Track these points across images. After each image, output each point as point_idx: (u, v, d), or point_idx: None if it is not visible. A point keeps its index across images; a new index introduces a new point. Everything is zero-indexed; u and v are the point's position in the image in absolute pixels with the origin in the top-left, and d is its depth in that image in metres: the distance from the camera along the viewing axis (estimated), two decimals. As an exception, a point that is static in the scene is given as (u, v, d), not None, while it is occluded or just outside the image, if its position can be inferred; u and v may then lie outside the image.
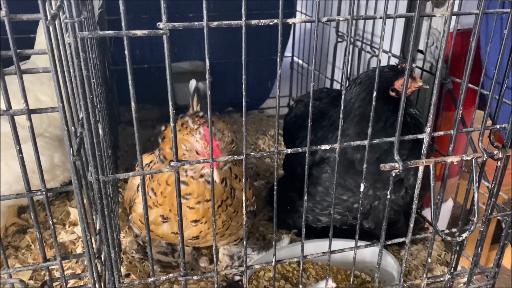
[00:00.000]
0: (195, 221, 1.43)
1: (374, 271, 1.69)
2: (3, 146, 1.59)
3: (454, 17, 1.89)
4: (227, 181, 1.45)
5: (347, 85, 1.65)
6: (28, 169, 1.00)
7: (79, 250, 1.80)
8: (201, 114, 1.39)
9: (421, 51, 2.11)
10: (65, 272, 1.71)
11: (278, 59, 1.00)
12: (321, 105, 1.84)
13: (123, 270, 1.67)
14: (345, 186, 1.61)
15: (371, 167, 1.58)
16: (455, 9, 1.58)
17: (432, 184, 1.26)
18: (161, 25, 0.91)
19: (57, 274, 1.67)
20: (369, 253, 1.66)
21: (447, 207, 2.33)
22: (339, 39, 2.60)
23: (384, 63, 2.14)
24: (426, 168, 1.23)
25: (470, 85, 1.73)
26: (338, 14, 2.55)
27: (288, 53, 3.33)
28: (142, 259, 1.73)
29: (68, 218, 1.95)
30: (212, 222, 1.44)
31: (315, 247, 1.63)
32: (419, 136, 1.24)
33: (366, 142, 1.18)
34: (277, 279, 1.57)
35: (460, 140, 2.02)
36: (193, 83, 1.54)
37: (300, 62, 3.22)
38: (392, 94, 1.59)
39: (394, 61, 2.11)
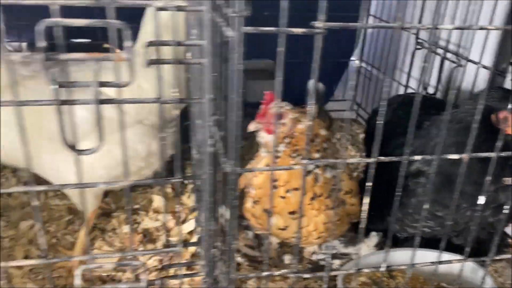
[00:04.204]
0: (292, 212, 1.43)
1: (463, 286, 1.66)
2: (106, 131, 1.63)
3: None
4: (318, 177, 1.45)
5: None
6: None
7: (163, 237, 1.83)
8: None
9: (513, 64, 2.05)
10: (151, 259, 1.76)
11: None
12: (413, 113, 1.80)
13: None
14: (442, 203, 1.57)
15: (469, 187, 1.52)
16: None
17: (553, 203, 1.23)
18: (319, 24, 0.92)
19: (140, 259, 1.71)
20: (458, 266, 1.62)
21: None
22: (417, 46, 2.56)
23: (471, 74, 2.08)
24: None
25: None
26: (420, 19, 2.53)
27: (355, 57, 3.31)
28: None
29: (150, 205, 1.99)
30: (311, 218, 1.45)
31: (404, 255, 1.61)
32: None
33: (493, 154, 1.15)
34: (368, 284, 1.57)
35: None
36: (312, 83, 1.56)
37: (369, 67, 3.19)
38: (492, 117, 1.50)
39: (484, 73, 2.06)
